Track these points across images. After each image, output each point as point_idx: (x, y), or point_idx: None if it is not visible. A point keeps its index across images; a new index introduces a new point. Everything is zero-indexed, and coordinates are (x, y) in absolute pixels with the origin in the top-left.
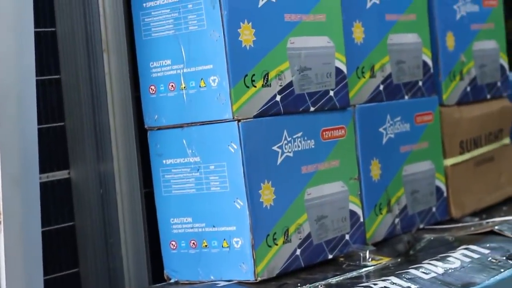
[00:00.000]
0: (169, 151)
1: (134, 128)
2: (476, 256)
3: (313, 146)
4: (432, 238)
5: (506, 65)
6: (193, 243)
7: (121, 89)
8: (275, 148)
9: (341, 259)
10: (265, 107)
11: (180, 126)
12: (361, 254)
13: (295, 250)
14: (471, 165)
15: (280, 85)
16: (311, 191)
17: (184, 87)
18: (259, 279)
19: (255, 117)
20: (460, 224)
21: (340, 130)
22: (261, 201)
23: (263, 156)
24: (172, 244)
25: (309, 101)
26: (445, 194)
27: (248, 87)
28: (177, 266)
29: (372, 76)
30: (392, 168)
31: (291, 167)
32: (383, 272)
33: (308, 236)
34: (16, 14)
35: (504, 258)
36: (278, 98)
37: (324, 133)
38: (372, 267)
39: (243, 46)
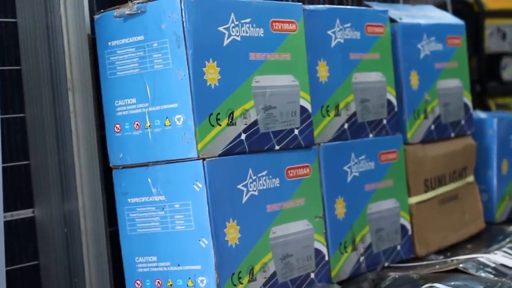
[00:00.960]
0: (134, 189)
1: (99, 167)
2: None
3: (278, 185)
4: (397, 276)
5: (469, 104)
6: (158, 282)
7: (86, 127)
8: (240, 186)
9: None
10: (230, 145)
11: (145, 165)
12: None
13: None
14: (435, 203)
15: (245, 124)
16: (276, 230)
17: (149, 126)
18: None
19: (220, 155)
20: (425, 262)
21: (305, 169)
22: (226, 239)
23: (228, 195)
24: (137, 283)
25: (274, 139)
26: (409, 232)
27: (213, 125)
28: None
29: (337, 114)
30: (357, 206)
31: (256, 206)
32: None
33: (274, 274)
34: None
35: None
36: (243, 136)
37: (289, 171)
38: None
39: (208, 84)
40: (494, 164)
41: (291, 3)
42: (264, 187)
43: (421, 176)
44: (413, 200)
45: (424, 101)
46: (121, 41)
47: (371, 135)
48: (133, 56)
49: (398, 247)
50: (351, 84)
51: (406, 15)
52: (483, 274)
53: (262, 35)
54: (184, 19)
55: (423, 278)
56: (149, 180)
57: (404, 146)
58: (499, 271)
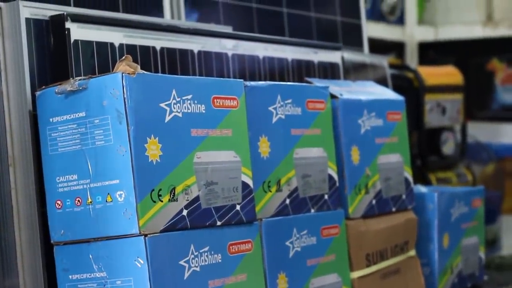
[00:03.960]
0: (76, 266)
1: (40, 244)
2: None
3: (220, 261)
4: None
5: (410, 178)
6: None
7: (27, 204)
8: (182, 262)
9: None
10: (171, 221)
11: (87, 241)
12: None
13: None
14: (377, 278)
15: (187, 200)
16: None
17: (91, 202)
18: None
19: (161, 231)
20: None
21: (247, 244)
22: None
23: (170, 271)
24: None
25: (215, 215)
26: None
27: (154, 201)
28: None
29: (279, 190)
30: (299, 281)
31: (198, 282)
32: None
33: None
34: None
35: None
36: (184, 212)
37: (231, 247)
38: None
39: (149, 161)
40: (435, 238)
41: (232, 79)
42: (206, 263)
43: (363, 251)
44: (355, 274)
45: (365, 176)
46: (62, 118)
47: (312, 210)
48: (75, 133)
49: None
50: (293, 159)
51: (346, 91)
52: None
53: (203, 111)
54: (125, 96)
55: None
56: (90, 256)
57: (346, 221)
58: None
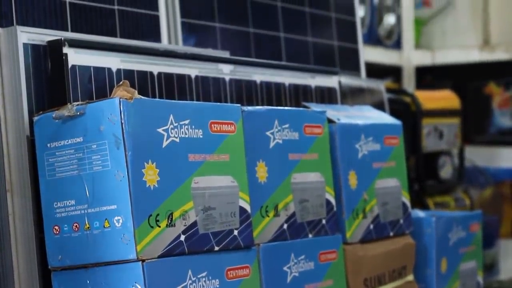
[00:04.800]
0: None
1: (37, 269)
2: None
3: (217, 286)
4: None
5: (408, 203)
6: None
7: (25, 229)
8: None
9: None
10: (169, 247)
11: (85, 267)
12: None
13: None
14: None
15: (185, 225)
16: None
17: (88, 227)
18: None
19: (159, 257)
20: None
21: (244, 269)
22: None
23: None
24: None
25: (213, 240)
26: None
27: (152, 227)
28: None
29: (276, 215)
30: None
31: None
32: None
33: None
34: None
35: None
36: (182, 238)
37: (228, 272)
38: None
39: (147, 186)
40: (433, 262)
41: (230, 104)
42: None
43: (361, 276)
44: None
45: (362, 200)
46: (60, 143)
47: (310, 235)
48: (72, 158)
49: None
50: (290, 184)
51: (344, 115)
52: None
53: (201, 136)
54: (123, 121)
55: None
56: (88, 282)
57: (344, 246)
58: None
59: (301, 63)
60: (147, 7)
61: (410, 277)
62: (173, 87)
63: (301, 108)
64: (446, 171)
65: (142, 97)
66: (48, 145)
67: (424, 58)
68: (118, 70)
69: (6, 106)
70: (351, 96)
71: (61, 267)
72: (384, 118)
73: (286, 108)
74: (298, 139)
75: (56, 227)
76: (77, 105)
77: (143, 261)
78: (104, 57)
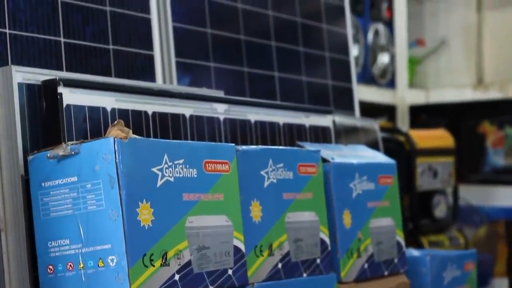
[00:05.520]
0: None
1: None
2: None
3: None
4: None
5: (402, 242)
6: None
7: (19, 269)
8: None
9: None
10: (164, 286)
11: None
12: None
13: None
14: None
15: (179, 265)
16: None
17: (83, 267)
18: None
19: None
20: None
21: None
22: None
23: None
24: None
25: (207, 280)
26: None
27: (146, 266)
28: None
29: (270, 254)
30: None
31: None
32: None
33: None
34: None
35: None
36: (176, 277)
37: None
38: None
39: (141, 225)
40: None
41: (224, 144)
42: None
43: None
44: None
45: (357, 240)
46: (54, 182)
47: (305, 275)
48: (67, 197)
49: None
50: (285, 223)
51: (338, 154)
52: None
53: (195, 175)
54: (117, 160)
55: None
56: None
57: (338, 285)
58: None
59: (295, 102)
60: (142, 47)
61: None
62: (168, 127)
63: (295, 148)
64: (440, 210)
65: (137, 136)
66: (43, 184)
67: (418, 97)
68: (113, 110)
69: (1, 145)
70: (345, 135)
71: None
72: (378, 157)
73: (280, 147)
74: (293, 179)
75: (50, 267)
76: (72, 144)
77: None
78: (98, 96)
